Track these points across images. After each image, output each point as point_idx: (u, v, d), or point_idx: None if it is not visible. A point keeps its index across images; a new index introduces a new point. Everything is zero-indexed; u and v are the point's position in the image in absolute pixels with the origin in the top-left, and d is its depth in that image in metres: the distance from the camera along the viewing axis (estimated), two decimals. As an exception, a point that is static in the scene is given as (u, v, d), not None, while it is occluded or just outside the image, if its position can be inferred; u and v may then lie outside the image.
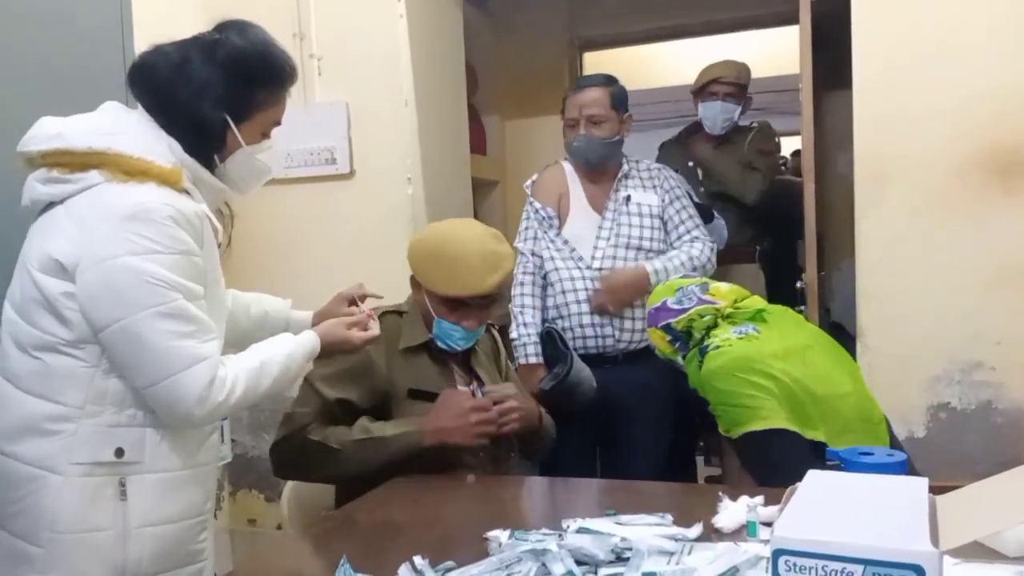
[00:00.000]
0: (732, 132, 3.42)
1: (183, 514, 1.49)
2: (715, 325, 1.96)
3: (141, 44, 2.32)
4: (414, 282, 2.07)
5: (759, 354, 1.83)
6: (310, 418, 1.91)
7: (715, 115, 3.33)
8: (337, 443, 1.87)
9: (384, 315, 2.02)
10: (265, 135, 1.60)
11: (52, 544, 1.40)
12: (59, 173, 1.44)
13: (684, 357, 2.01)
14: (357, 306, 1.89)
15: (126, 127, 1.46)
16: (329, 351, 1.72)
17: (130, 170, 1.41)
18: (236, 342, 1.84)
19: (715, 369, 1.85)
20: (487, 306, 2.03)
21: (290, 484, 2.10)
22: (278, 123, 1.61)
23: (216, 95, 1.49)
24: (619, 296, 2.59)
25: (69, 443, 1.40)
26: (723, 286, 2.05)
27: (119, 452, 1.42)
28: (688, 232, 2.71)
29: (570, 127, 2.68)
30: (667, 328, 2.02)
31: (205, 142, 1.51)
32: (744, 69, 3.42)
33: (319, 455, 1.87)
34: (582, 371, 2.51)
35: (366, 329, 1.77)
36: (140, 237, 1.37)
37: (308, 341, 1.64)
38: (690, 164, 3.39)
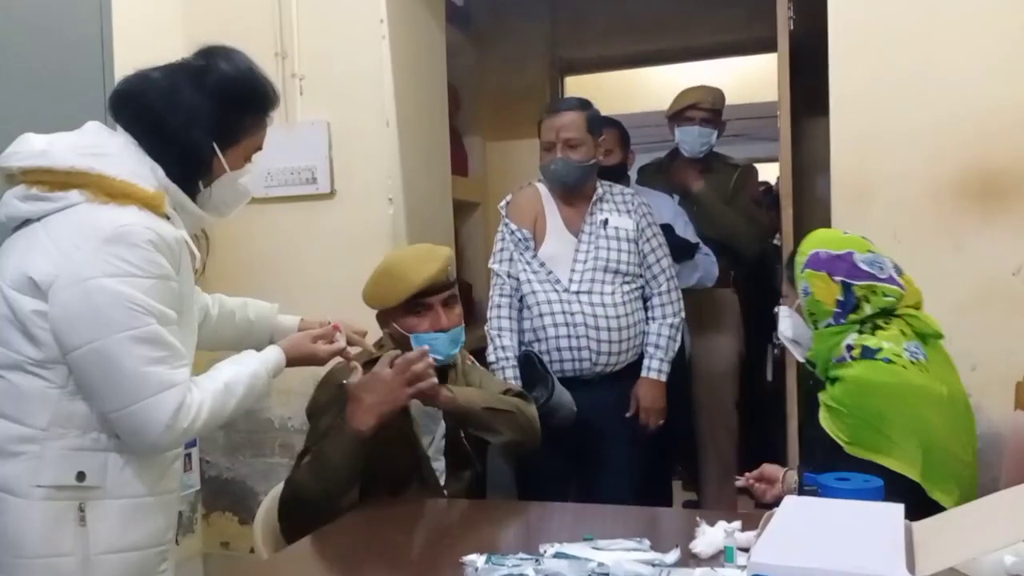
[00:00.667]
0: (713, 162, 3.45)
1: (145, 542, 1.47)
2: (884, 315, 1.83)
3: (121, 54, 2.32)
4: (380, 320, 2.08)
5: (930, 393, 1.74)
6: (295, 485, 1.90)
7: (693, 139, 3.36)
8: (300, 478, 1.86)
9: (366, 365, 2.00)
10: (248, 159, 1.61)
11: (14, 570, 1.37)
12: (39, 191, 1.43)
13: (828, 324, 1.85)
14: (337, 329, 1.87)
15: (110, 148, 1.46)
16: (296, 365, 1.71)
17: (112, 192, 1.41)
18: (219, 348, 1.84)
19: (880, 384, 1.73)
20: (449, 302, 2.02)
21: (264, 507, 2.08)
22: (260, 148, 1.63)
23: (205, 122, 1.50)
24: (657, 410, 2.69)
25: (33, 465, 1.38)
26: (912, 280, 1.91)
27: (80, 476, 1.40)
28: (658, 261, 2.74)
29: (546, 150, 2.67)
30: (847, 286, 1.83)
31: (192, 169, 1.51)
32: (720, 95, 3.45)
33: (305, 497, 1.84)
34: (563, 395, 2.50)
35: (332, 343, 1.76)
36: (119, 260, 1.36)
37: (273, 357, 1.63)
38: (673, 196, 3.40)
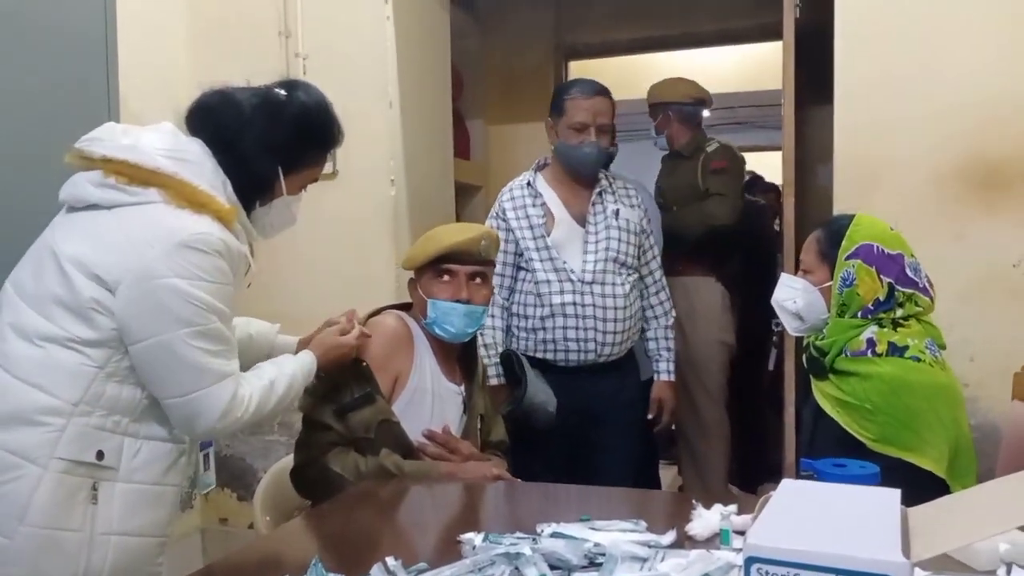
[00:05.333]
0: (694, 150, 3.51)
1: (147, 530, 1.50)
2: (909, 318, 1.83)
3: (125, 46, 2.31)
4: (411, 284, 2.11)
5: (956, 391, 1.75)
6: (324, 447, 1.91)
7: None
8: (353, 476, 1.87)
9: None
10: (303, 188, 1.71)
11: (19, 537, 1.38)
12: (117, 181, 1.47)
13: (856, 314, 1.83)
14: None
15: (192, 156, 1.52)
16: (327, 362, 1.80)
17: (192, 200, 1.48)
18: None
19: (915, 383, 1.73)
20: (477, 278, 2.03)
21: (264, 484, 2.09)
22: (316, 180, 1.74)
23: (275, 147, 1.59)
24: (672, 405, 2.83)
25: (55, 438, 1.40)
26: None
27: (100, 455, 1.43)
28: (655, 257, 2.80)
29: (576, 130, 2.61)
30: (891, 289, 1.82)
31: (254, 187, 1.60)
32: (658, 88, 3.58)
33: (339, 483, 1.86)
34: (536, 396, 2.47)
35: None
36: (190, 264, 1.44)
37: (307, 359, 1.74)
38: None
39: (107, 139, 1.51)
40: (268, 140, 1.58)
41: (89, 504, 1.42)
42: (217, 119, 1.57)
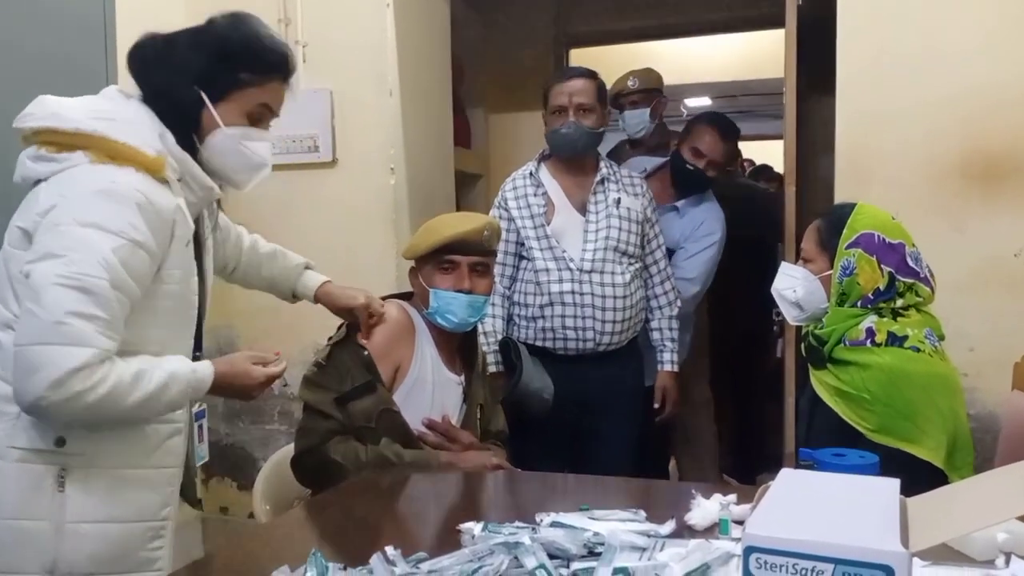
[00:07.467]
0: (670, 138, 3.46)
1: (130, 516, 1.45)
2: (909, 308, 1.82)
3: (124, 34, 2.30)
4: (412, 273, 2.11)
5: (954, 381, 1.76)
6: (325, 435, 1.91)
7: (627, 123, 3.36)
8: (354, 465, 1.87)
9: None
10: (252, 119, 1.56)
11: None
12: (47, 151, 1.43)
13: (856, 303, 1.83)
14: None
15: (122, 114, 1.46)
16: (224, 383, 1.54)
17: (114, 154, 1.41)
18: (252, 288, 1.97)
19: (914, 373, 1.73)
20: (479, 269, 2.04)
21: (264, 473, 2.09)
22: (268, 109, 1.59)
23: (192, 72, 1.50)
24: (676, 397, 2.84)
25: (10, 426, 1.38)
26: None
27: (60, 441, 1.39)
28: (660, 247, 2.79)
29: (556, 114, 2.64)
30: (892, 278, 1.81)
31: (179, 118, 1.49)
32: (644, 74, 3.47)
33: (339, 471, 1.86)
34: (531, 383, 2.47)
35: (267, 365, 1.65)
36: (97, 214, 1.35)
37: (202, 372, 1.50)
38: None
39: (37, 112, 1.46)
40: (184, 66, 1.49)
41: (55, 492, 1.38)
42: (134, 57, 1.52)
